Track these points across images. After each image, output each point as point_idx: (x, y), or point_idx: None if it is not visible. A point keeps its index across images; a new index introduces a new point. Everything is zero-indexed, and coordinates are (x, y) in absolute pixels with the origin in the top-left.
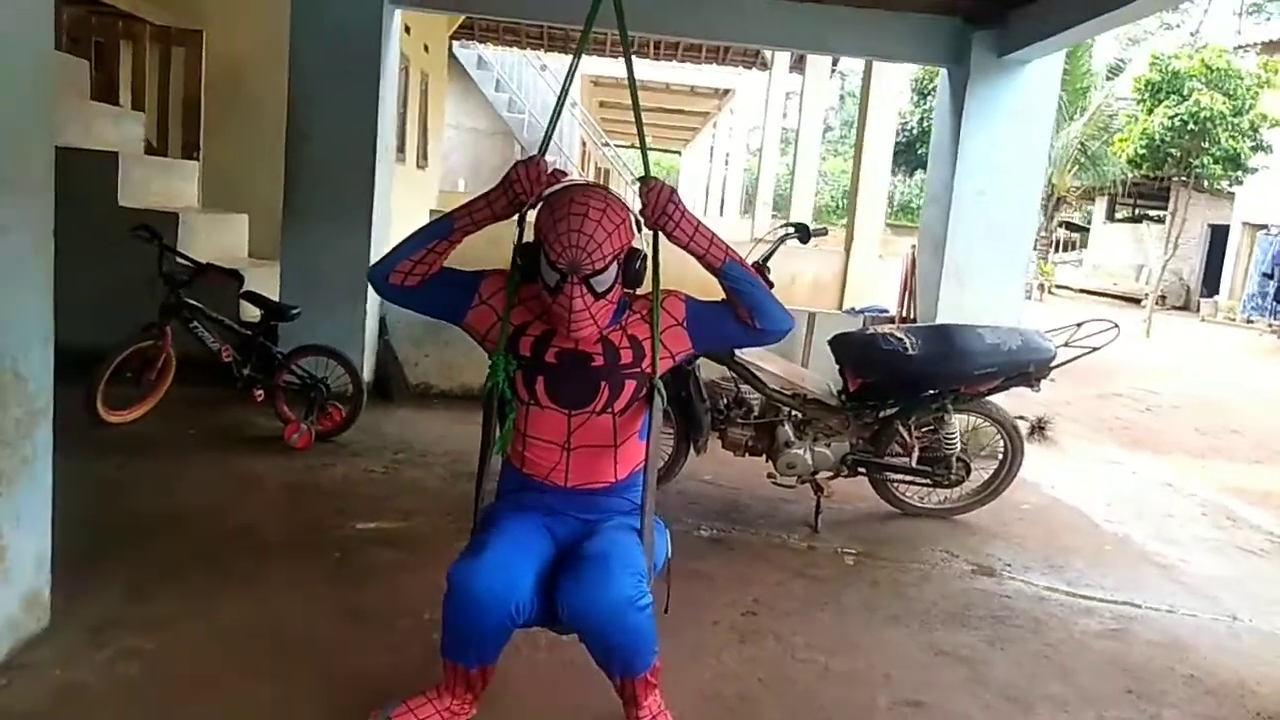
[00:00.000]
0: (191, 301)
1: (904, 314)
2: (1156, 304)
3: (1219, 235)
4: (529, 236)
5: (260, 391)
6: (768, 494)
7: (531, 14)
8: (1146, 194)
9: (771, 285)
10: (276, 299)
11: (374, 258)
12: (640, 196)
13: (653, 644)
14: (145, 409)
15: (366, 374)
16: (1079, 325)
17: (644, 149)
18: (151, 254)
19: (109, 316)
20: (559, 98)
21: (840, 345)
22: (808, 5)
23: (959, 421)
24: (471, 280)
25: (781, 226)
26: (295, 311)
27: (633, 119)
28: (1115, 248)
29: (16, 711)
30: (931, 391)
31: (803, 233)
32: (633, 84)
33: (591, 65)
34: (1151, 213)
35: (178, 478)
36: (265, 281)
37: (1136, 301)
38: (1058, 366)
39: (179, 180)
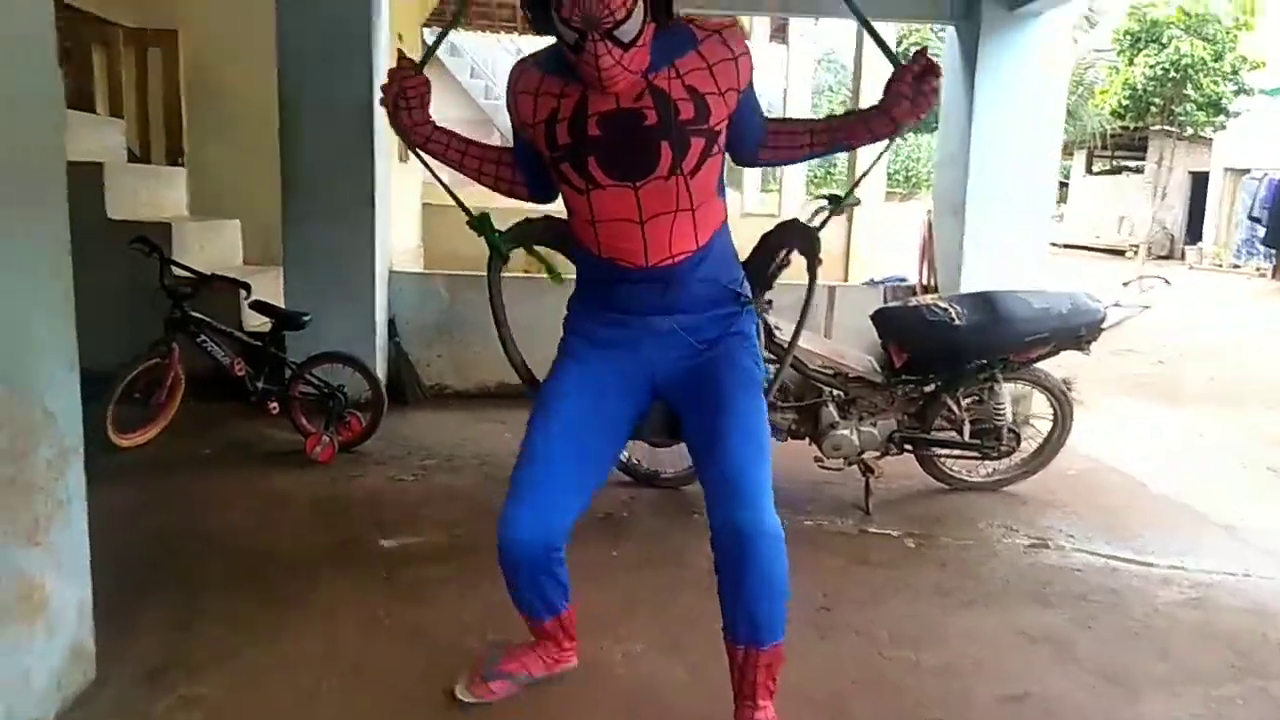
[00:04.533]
0: (198, 315)
1: (925, 283)
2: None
3: (1199, 182)
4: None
5: (275, 404)
6: (810, 478)
7: None
8: (1123, 145)
9: (820, 262)
10: (280, 305)
11: (379, 256)
12: (912, 81)
13: (784, 590)
14: (156, 430)
15: (383, 375)
16: (1126, 285)
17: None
18: (149, 267)
19: (108, 336)
20: None
21: (884, 319)
22: None
23: (1008, 390)
24: (517, 126)
25: (814, 200)
26: (306, 319)
27: None
28: (1095, 200)
29: None
30: (980, 361)
31: (834, 203)
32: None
33: None
34: (1129, 163)
35: (202, 499)
36: (265, 287)
37: (1120, 253)
38: (1109, 328)
39: (166, 188)
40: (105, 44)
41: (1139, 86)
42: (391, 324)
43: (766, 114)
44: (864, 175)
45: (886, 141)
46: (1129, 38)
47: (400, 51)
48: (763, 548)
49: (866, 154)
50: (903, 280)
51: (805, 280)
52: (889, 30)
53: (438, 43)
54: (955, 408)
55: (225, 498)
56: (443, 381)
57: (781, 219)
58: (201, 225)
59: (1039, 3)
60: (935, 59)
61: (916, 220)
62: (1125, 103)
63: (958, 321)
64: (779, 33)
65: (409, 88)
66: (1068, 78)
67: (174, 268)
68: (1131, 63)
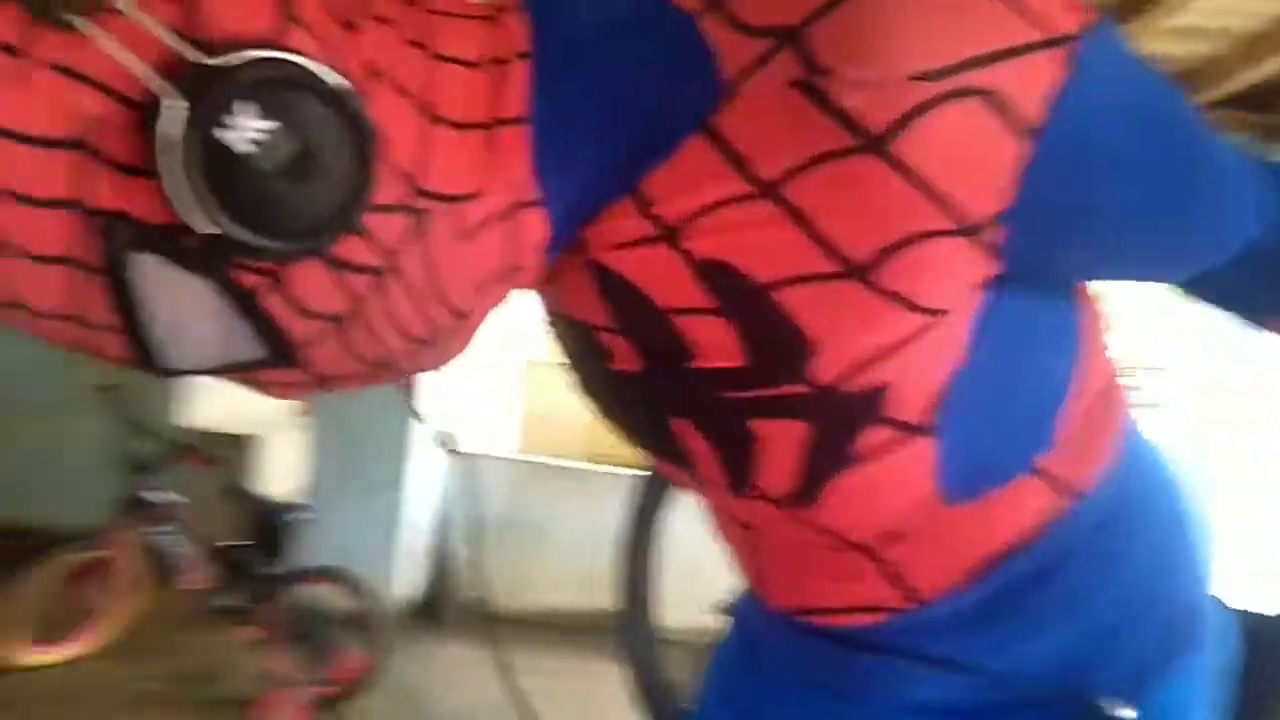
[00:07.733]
0: (149, 498)
1: None
2: None
3: None
4: None
5: (251, 628)
6: None
7: None
8: None
9: None
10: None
11: (417, 430)
12: None
13: None
14: (86, 643)
15: (411, 588)
16: None
17: None
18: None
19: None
20: None
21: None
22: None
23: None
24: None
25: None
26: (289, 517)
27: None
28: None
29: None
30: None
31: None
32: None
33: None
34: None
35: None
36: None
37: None
38: None
39: None
40: None
41: None
42: (445, 521)
43: None
44: None
45: None
46: None
47: None
48: None
49: None
50: None
51: None
52: None
53: None
54: None
55: None
56: (494, 597)
57: None
58: None
59: None
60: None
61: None
62: None
63: None
64: None
65: None
66: None
67: (141, 429)
68: None
